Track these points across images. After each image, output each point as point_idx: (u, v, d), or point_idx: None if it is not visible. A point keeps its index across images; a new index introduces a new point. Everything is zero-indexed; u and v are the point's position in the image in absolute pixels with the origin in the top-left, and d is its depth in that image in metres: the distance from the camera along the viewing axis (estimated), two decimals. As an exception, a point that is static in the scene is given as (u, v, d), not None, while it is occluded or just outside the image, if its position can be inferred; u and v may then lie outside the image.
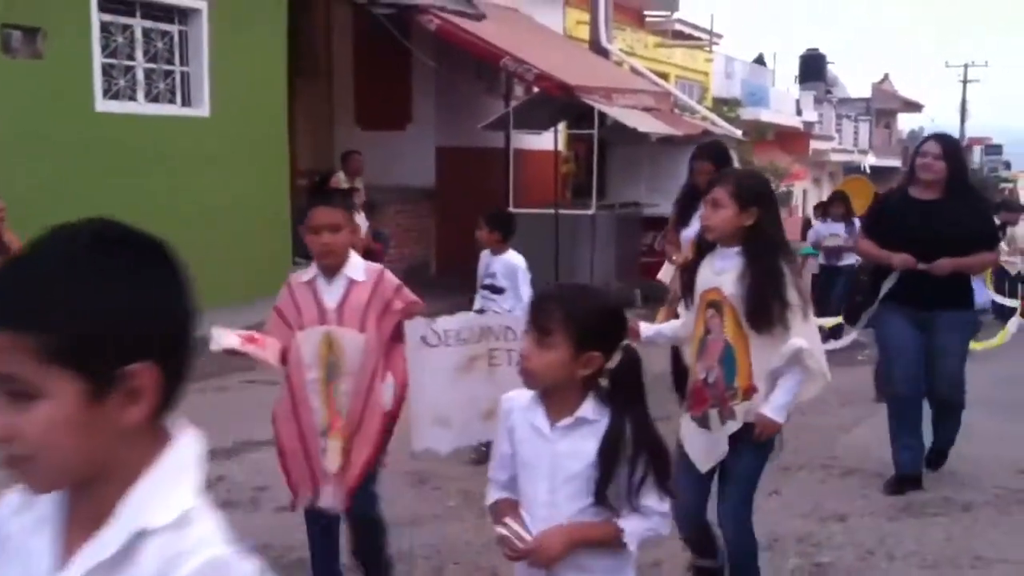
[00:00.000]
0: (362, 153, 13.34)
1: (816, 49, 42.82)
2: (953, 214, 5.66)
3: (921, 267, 5.64)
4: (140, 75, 9.77)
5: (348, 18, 14.10)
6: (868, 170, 34.67)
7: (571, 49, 16.99)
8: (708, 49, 27.29)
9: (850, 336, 8.55)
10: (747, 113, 27.14)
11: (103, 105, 9.28)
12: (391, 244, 13.25)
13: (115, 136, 9.23)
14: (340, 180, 13.14)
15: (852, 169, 35.48)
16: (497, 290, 6.50)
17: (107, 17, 9.36)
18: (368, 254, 12.33)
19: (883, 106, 47.23)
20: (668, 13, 24.96)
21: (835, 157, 38.80)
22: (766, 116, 30.11)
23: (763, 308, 3.72)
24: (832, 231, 12.13)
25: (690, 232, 6.15)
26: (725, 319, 3.81)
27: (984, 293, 9.84)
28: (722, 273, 3.81)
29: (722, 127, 17.02)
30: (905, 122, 54.17)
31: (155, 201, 9.45)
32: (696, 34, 27.17)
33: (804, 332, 3.79)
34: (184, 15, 10.13)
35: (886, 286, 5.83)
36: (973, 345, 8.33)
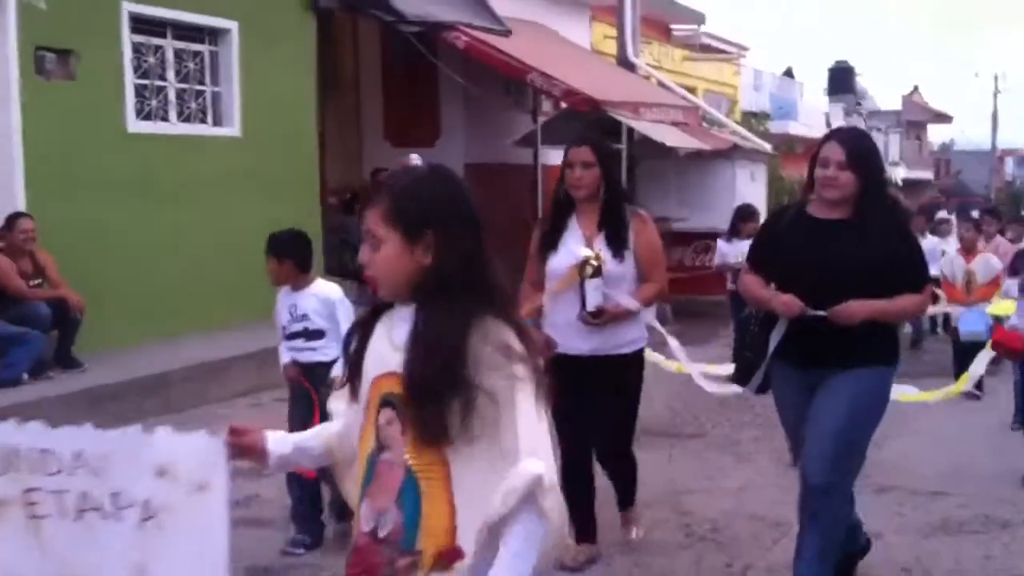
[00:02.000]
0: (391, 170, 13.39)
1: (845, 61, 42.59)
2: (866, 240, 4.04)
3: (814, 315, 4.02)
4: (172, 95, 9.86)
5: (376, 36, 14.18)
6: (900, 183, 34.46)
7: (598, 64, 16.99)
8: (736, 62, 27.23)
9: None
10: (776, 126, 27.04)
11: (135, 125, 9.37)
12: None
13: (147, 156, 9.32)
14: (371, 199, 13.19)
15: (882, 181, 35.18)
16: (314, 334, 5.20)
17: (139, 38, 9.45)
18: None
19: (913, 118, 46.98)
20: (695, 26, 24.91)
21: (865, 169, 38.51)
22: (795, 129, 29.98)
23: (433, 398, 2.07)
24: (742, 250, 11.39)
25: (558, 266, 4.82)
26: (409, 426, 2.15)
27: (983, 320, 8.80)
28: (401, 348, 2.15)
29: (751, 140, 16.96)
30: (936, 134, 53.86)
31: (187, 220, 9.53)
32: (724, 47, 27.11)
33: (535, 434, 2.08)
34: (215, 35, 10.23)
35: (773, 340, 4.21)
36: (926, 395, 7.56)
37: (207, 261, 9.61)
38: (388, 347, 2.18)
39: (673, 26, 24.28)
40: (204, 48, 10.18)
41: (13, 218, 8.07)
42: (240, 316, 9.31)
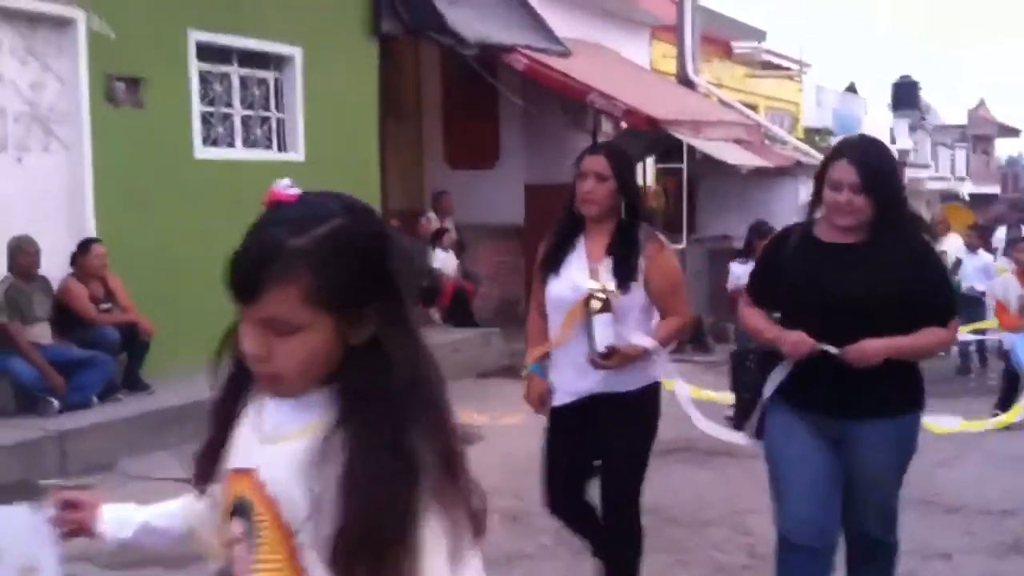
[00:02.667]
0: (452, 192, 13.48)
1: (909, 76, 42.05)
2: (882, 266, 3.56)
3: (827, 351, 3.52)
4: (237, 122, 10.04)
5: (436, 59, 14.31)
6: (967, 198, 33.92)
7: (658, 83, 16.98)
8: (798, 79, 27.02)
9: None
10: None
11: (202, 152, 9.55)
12: (482, 283, 13.34)
13: (214, 182, 9.49)
14: (431, 220, 13.30)
15: (950, 197, 34.75)
16: None
17: (205, 66, 9.65)
18: (459, 293, 12.52)
19: (979, 132, 46.16)
20: (756, 43, 24.77)
21: (932, 185, 37.99)
22: (859, 145, 29.61)
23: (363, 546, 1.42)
24: None
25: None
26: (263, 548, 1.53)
27: None
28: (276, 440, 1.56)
29: (814, 157, 16.81)
30: (1003, 148, 52.86)
31: (252, 243, 9.67)
32: (785, 64, 26.92)
33: None
34: (279, 62, 10.41)
35: (774, 380, 3.71)
36: (974, 425, 7.37)
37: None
38: (252, 436, 1.60)
39: (734, 43, 24.17)
40: (269, 75, 10.37)
41: (86, 244, 8.27)
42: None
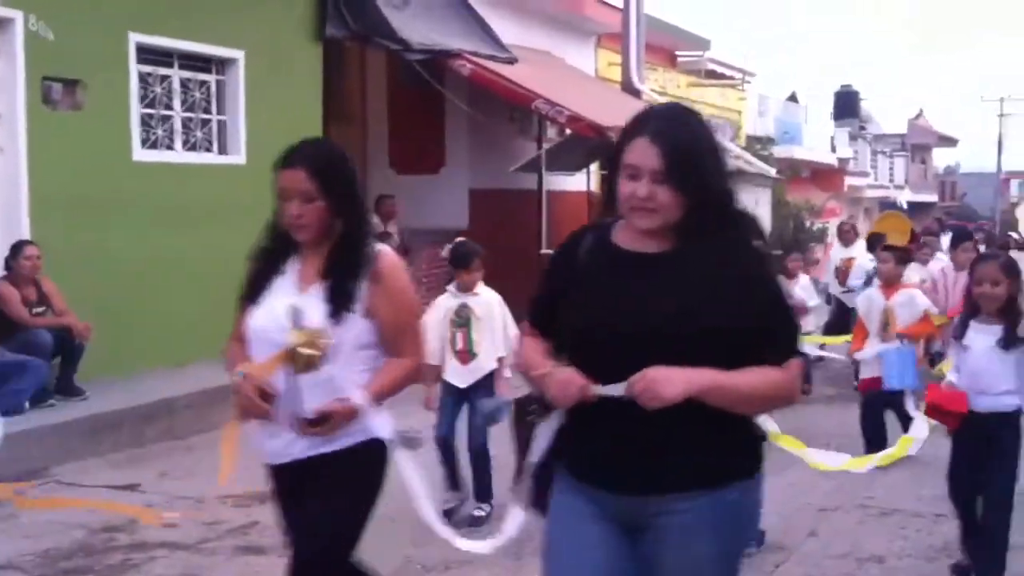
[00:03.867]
0: (396, 197, 13.45)
1: (849, 86, 42.83)
2: (699, 286, 2.52)
3: (605, 394, 2.47)
4: (178, 124, 9.94)
5: (382, 64, 14.27)
6: (905, 205, 34.49)
7: (603, 90, 17.07)
8: (741, 88, 27.33)
9: None
10: (781, 151, 27.13)
11: (141, 154, 9.43)
12: (425, 286, 13.30)
13: (153, 185, 9.38)
14: (375, 225, 13.25)
15: (888, 205, 35.32)
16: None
17: (145, 68, 9.54)
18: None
19: (918, 141, 47.04)
20: (700, 53, 25.03)
21: (871, 193, 38.64)
22: (800, 153, 30.05)
23: None
24: None
25: None
26: None
27: (912, 375, 6.98)
28: None
29: (756, 165, 17.01)
30: (941, 157, 53.88)
31: (191, 248, 9.58)
32: (729, 73, 27.22)
33: None
34: (221, 65, 10.31)
35: (541, 438, 2.69)
36: (858, 462, 6.08)
37: (212, 289, 9.62)
38: None
39: (678, 52, 24.40)
40: (211, 77, 10.27)
41: (18, 246, 8.13)
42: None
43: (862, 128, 40.91)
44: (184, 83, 10.01)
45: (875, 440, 7.18)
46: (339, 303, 3.15)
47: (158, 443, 7.88)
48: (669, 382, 2.39)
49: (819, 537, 5.87)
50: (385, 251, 3.32)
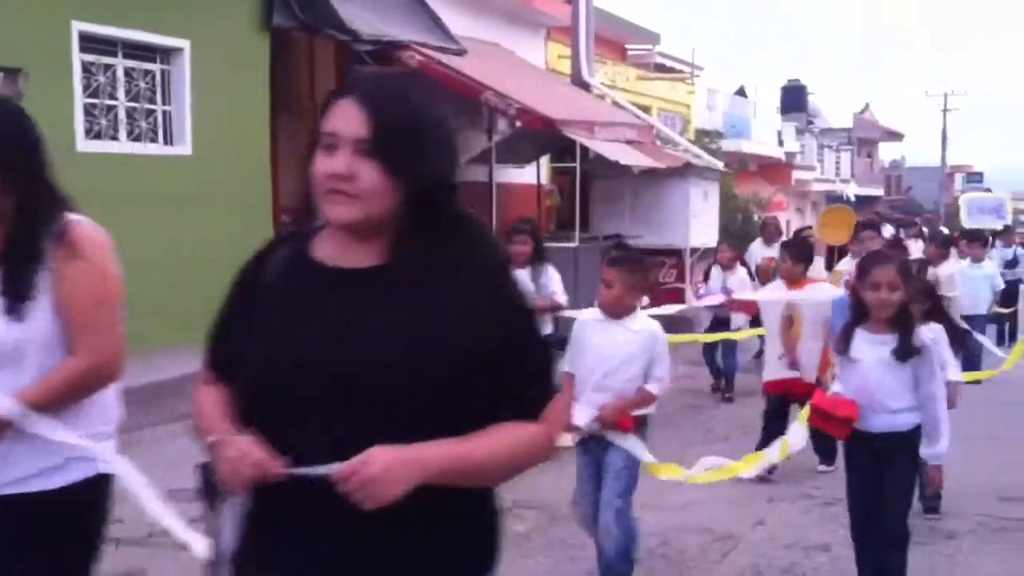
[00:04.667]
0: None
1: (797, 80, 43.19)
2: (421, 313, 1.87)
3: (304, 476, 1.79)
4: (122, 114, 9.79)
5: (330, 55, 14.16)
6: (851, 199, 34.88)
7: (553, 83, 17.09)
8: (690, 82, 27.49)
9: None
10: (729, 144, 27.32)
11: (84, 145, 9.29)
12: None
13: (97, 175, 9.22)
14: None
15: (835, 198, 35.69)
16: None
17: (88, 57, 9.39)
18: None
19: (864, 135, 47.60)
20: (650, 46, 25.14)
21: (817, 187, 39.03)
22: (748, 147, 30.29)
23: None
24: None
25: None
26: None
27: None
28: None
29: (704, 159, 17.13)
30: (887, 151, 54.58)
31: (137, 239, 9.45)
32: (678, 67, 27.38)
33: None
34: (166, 54, 10.17)
35: (224, 528, 1.95)
36: (736, 468, 5.78)
37: (158, 281, 9.54)
38: None
39: (628, 46, 24.49)
40: (156, 67, 10.13)
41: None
42: (186, 338, 9.24)
43: (809, 122, 41.31)
44: (128, 72, 9.86)
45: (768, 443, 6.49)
46: (15, 293, 2.55)
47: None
48: (393, 479, 1.73)
49: (766, 526, 5.94)
50: (78, 223, 2.75)
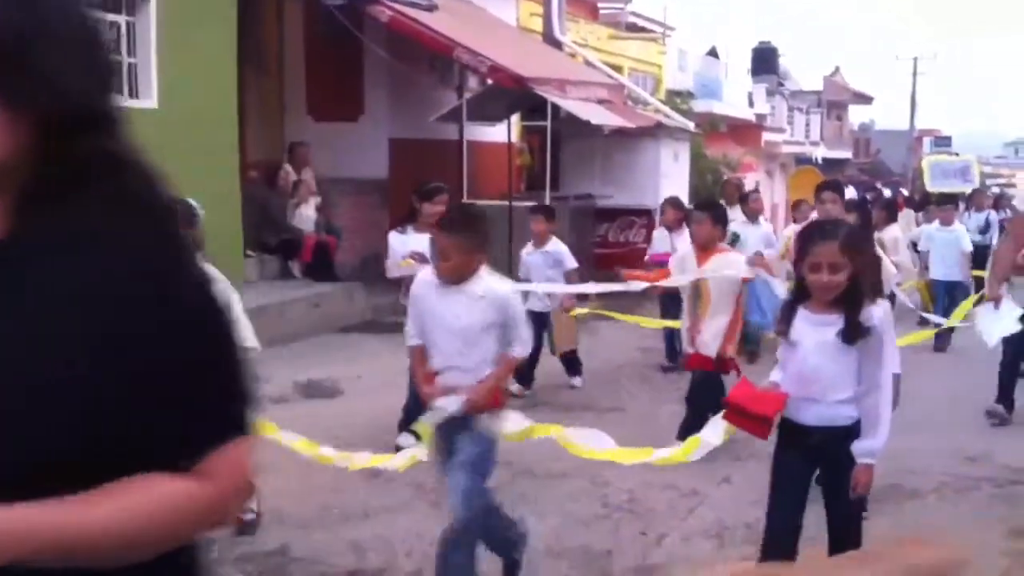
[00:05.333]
0: (310, 145, 13.28)
1: (768, 42, 43.19)
2: (33, 308, 1.22)
3: None
4: (87, 66, 9.62)
5: (299, 9, 13.99)
6: (820, 161, 35.02)
7: (525, 41, 16.98)
8: (661, 42, 27.40)
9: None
10: (700, 105, 27.28)
11: (48, 96, 9.13)
12: (343, 236, 13.18)
13: (61, 128, 9.09)
14: (288, 172, 13.08)
15: (804, 161, 35.82)
16: None
17: (52, 7, 9.20)
18: (321, 247, 12.36)
19: (834, 98, 47.71)
20: (621, 6, 25.07)
21: (787, 149, 39.11)
22: (719, 108, 30.26)
23: None
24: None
25: None
26: None
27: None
28: None
29: (675, 119, 17.11)
30: (856, 114, 54.77)
31: (103, 194, 9.34)
32: (649, 26, 27.28)
33: None
34: (132, 5, 9.99)
35: None
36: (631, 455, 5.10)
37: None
38: None
39: (599, 4, 24.38)
40: (121, 18, 9.95)
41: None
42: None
43: (780, 85, 41.35)
44: (93, 23, 9.68)
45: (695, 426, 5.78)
46: None
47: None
48: None
49: (732, 484, 5.99)
50: None
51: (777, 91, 40.09)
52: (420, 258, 6.27)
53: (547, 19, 16.98)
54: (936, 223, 12.04)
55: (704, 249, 6.62)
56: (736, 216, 10.24)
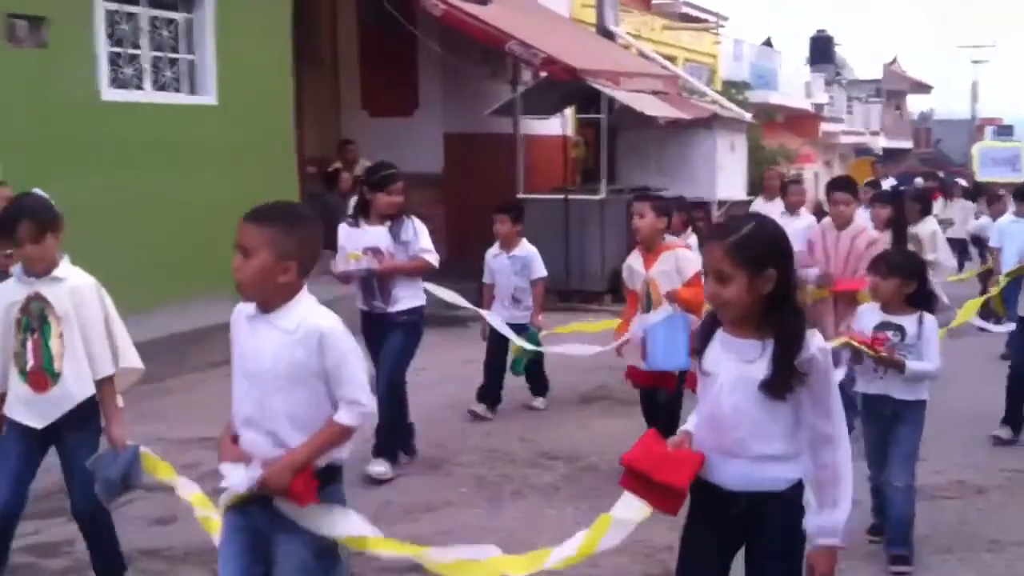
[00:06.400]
0: (369, 140, 13.32)
1: (824, 31, 42.66)
2: None
3: None
4: (146, 63, 9.74)
5: (352, 4, 14.05)
6: (880, 152, 34.54)
7: (578, 33, 16.90)
8: (715, 32, 27.16)
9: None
10: (756, 96, 27.03)
11: (109, 94, 9.24)
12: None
13: (122, 125, 9.21)
14: (340, 169, 13.14)
15: (863, 151, 35.34)
16: None
17: (112, 5, 9.32)
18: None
19: (893, 87, 47.06)
20: (676, -4, 24.87)
21: (845, 139, 38.66)
22: (775, 99, 29.98)
23: None
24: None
25: None
26: None
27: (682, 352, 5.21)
28: None
29: (731, 110, 16.94)
30: (915, 103, 53.96)
31: (162, 190, 9.44)
32: (703, 16, 27.04)
33: None
34: (189, 2, 10.09)
35: None
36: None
37: (182, 231, 9.54)
38: None
39: (653, -5, 24.21)
40: (179, 16, 10.05)
41: (-13, 187, 7.95)
42: (215, 286, 9.26)
43: (837, 74, 40.86)
44: (152, 21, 9.79)
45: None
46: None
47: (136, 385, 7.82)
48: None
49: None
50: None
51: (835, 80, 39.62)
52: (375, 253, 5.98)
53: (600, 10, 16.89)
54: (1009, 215, 10.22)
55: (649, 250, 5.73)
56: (775, 208, 9.83)
